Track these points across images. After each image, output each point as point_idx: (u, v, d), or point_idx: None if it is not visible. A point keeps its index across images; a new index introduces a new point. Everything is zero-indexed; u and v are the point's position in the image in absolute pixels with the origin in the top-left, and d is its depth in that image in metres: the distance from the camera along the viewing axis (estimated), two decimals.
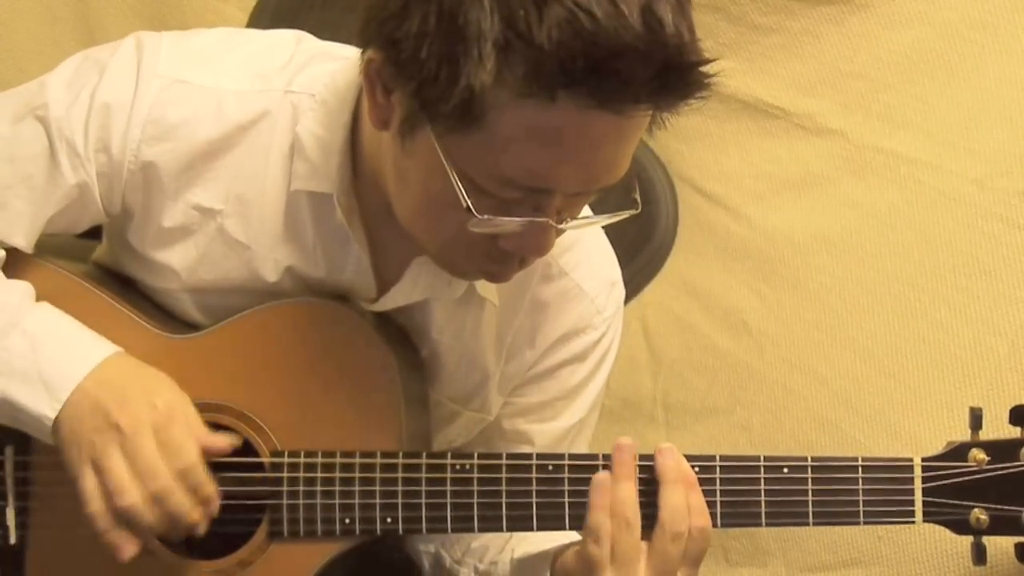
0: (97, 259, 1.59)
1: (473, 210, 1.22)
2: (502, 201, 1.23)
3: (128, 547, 1.34)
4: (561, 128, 1.17)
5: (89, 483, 1.33)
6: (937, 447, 1.38)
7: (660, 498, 1.34)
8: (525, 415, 1.59)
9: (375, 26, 1.22)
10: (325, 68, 1.43)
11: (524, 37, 1.11)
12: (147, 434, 1.33)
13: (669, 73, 1.14)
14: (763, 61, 2.02)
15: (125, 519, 1.33)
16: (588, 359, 1.57)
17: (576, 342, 1.55)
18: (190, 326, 1.50)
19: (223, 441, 1.39)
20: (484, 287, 1.48)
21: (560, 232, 1.29)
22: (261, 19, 2.13)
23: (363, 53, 1.26)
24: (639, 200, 1.33)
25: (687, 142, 2.07)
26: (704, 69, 1.17)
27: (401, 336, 1.50)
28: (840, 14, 1.97)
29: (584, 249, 1.53)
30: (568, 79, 1.12)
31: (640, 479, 1.36)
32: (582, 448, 1.64)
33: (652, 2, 1.13)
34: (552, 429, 1.59)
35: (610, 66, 1.12)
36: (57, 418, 1.35)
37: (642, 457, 1.37)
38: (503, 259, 1.32)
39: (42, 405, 1.35)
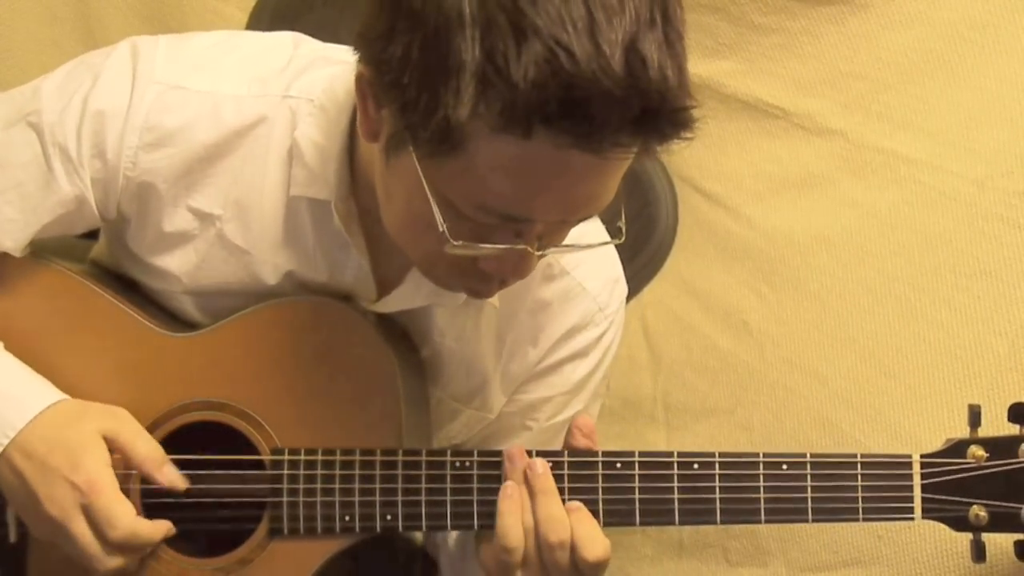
0: (95, 258, 1.59)
1: (448, 235, 1.21)
2: (481, 226, 1.22)
3: None
4: (538, 163, 1.15)
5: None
6: (937, 447, 1.38)
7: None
8: (532, 410, 1.59)
9: (365, 44, 1.21)
10: (323, 73, 1.42)
11: (501, 73, 1.10)
12: (74, 518, 1.37)
13: (648, 118, 1.12)
14: (763, 61, 2.01)
15: None
16: (591, 355, 1.57)
17: (579, 339, 1.55)
18: (190, 325, 1.50)
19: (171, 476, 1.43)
20: None
21: (541, 256, 1.28)
22: (261, 19, 2.12)
23: (356, 66, 1.25)
24: (624, 230, 1.32)
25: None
26: (689, 112, 1.14)
27: (402, 335, 1.50)
28: (840, 14, 1.96)
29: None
30: (544, 117, 1.11)
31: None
32: None
33: (637, 40, 1.10)
34: (550, 424, 1.60)
35: (586, 109, 1.10)
36: None
37: (644, 454, 1.37)
38: (484, 279, 1.32)
39: None
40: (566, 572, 1.35)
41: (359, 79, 1.25)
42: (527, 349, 1.55)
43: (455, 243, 1.22)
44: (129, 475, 1.42)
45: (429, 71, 1.13)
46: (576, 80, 1.08)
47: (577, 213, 1.24)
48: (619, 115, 1.11)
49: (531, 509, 1.35)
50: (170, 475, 1.42)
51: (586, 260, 1.53)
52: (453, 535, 1.64)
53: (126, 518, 1.37)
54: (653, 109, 1.12)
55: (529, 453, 1.39)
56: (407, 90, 1.15)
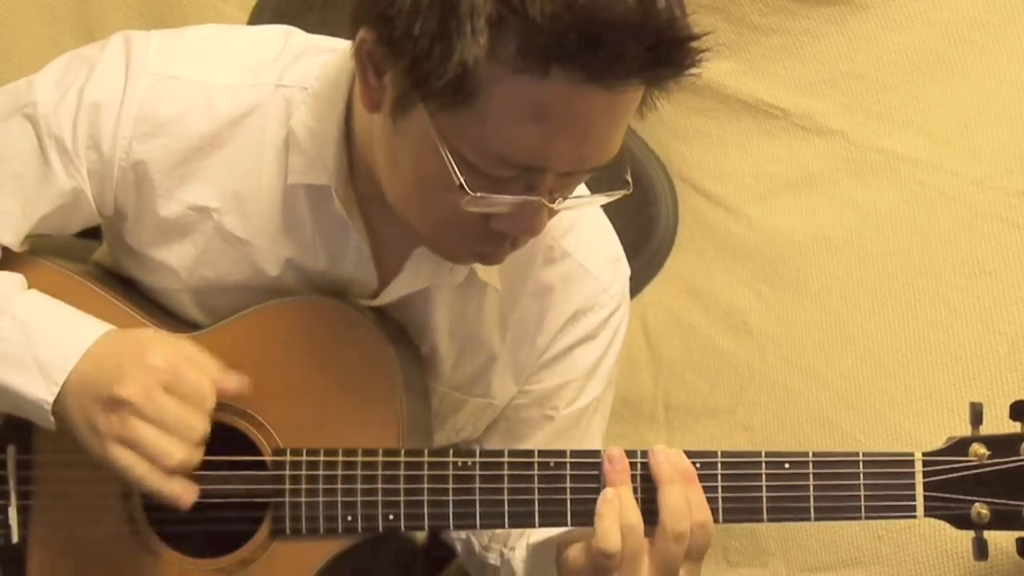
0: (97, 260, 1.60)
1: (466, 187, 1.22)
2: (494, 180, 1.23)
3: (188, 495, 1.34)
4: (554, 103, 1.17)
5: (126, 458, 1.33)
6: (938, 447, 1.38)
7: (660, 499, 1.34)
8: (548, 399, 1.59)
9: (367, 5, 1.22)
10: (315, 60, 1.43)
11: (517, 11, 1.12)
12: (160, 395, 1.32)
13: (661, 47, 1.15)
14: (763, 61, 2.02)
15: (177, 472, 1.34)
16: (599, 337, 1.57)
17: (585, 322, 1.55)
18: (191, 325, 1.50)
19: (235, 381, 1.39)
20: (485, 272, 1.48)
21: (552, 213, 1.29)
22: (261, 19, 2.13)
23: (355, 34, 1.26)
24: (630, 181, 1.32)
25: (687, 142, 2.07)
26: (695, 45, 1.17)
27: (400, 332, 1.50)
28: (840, 14, 1.97)
29: (585, 229, 1.53)
30: (561, 53, 1.13)
31: (640, 475, 1.37)
32: (600, 427, 1.64)
33: None
34: (571, 412, 1.59)
35: (603, 40, 1.12)
36: (58, 401, 1.35)
37: (642, 454, 1.38)
38: (495, 241, 1.32)
39: (39, 390, 1.35)
40: (677, 562, 1.34)
41: (360, 47, 1.25)
42: (533, 335, 1.55)
43: (473, 194, 1.22)
44: None
45: (441, 18, 1.14)
46: (592, 12, 1.11)
47: (588, 161, 1.25)
48: (634, 44, 1.13)
49: (633, 512, 1.34)
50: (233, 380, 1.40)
51: (586, 241, 1.53)
52: (520, 552, 1.61)
53: (214, 392, 1.35)
54: (666, 38, 1.15)
55: (531, 453, 1.39)
56: (419, 41, 1.16)
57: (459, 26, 1.14)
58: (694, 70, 1.19)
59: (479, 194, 1.22)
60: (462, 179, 1.22)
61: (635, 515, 1.33)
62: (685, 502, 1.34)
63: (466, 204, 1.23)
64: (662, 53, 1.15)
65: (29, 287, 1.45)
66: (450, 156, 1.22)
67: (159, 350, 1.35)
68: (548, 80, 1.15)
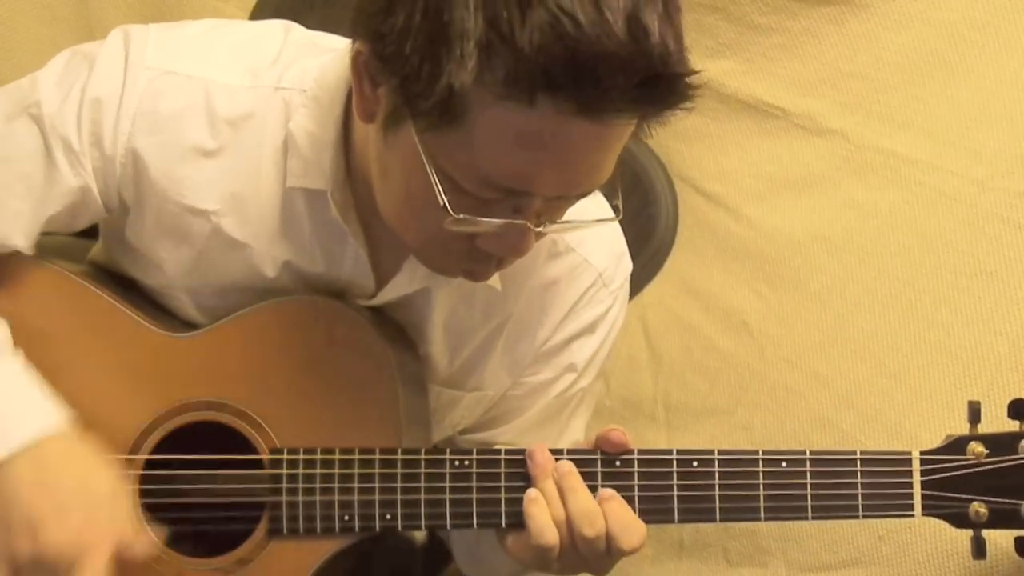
0: (93, 258, 1.59)
1: (449, 208, 1.21)
2: (481, 201, 1.23)
3: None
4: (540, 132, 1.16)
5: None
6: (936, 446, 1.38)
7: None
8: (539, 393, 1.59)
9: (363, 19, 1.22)
10: (314, 62, 1.43)
11: (506, 39, 1.11)
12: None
13: (651, 83, 1.13)
14: (763, 61, 2.02)
15: None
16: (598, 331, 1.56)
17: (584, 315, 1.55)
18: (189, 325, 1.50)
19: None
20: None
21: (540, 236, 1.29)
22: (261, 19, 2.12)
23: (352, 45, 1.26)
24: (621, 207, 1.33)
25: (687, 142, 2.07)
26: (688, 80, 1.16)
27: (399, 332, 1.50)
28: (840, 14, 1.97)
29: None
30: (548, 83, 1.12)
31: (638, 473, 1.38)
32: (584, 417, 1.65)
33: (638, 10, 1.12)
34: (558, 400, 1.60)
35: (591, 73, 1.11)
36: None
37: (643, 452, 1.39)
38: (481, 259, 1.32)
39: None
40: (602, 555, 1.36)
41: (356, 58, 1.25)
42: (534, 329, 1.54)
43: (455, 216, 1.22)
44: (127, 475, 1.42)
45: (431, 40, 1.14)
46: (581, 44, 1.10)
47: (576, 188, 1.24)
48: (623, 79, 1.12)
49: (561, 506, 1.35)
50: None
51: (591, 236, 1.53)
52: None
53: None
54: (655, 74, 1.13)
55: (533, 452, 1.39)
56: (409, 60, 1.16)
57: (448, 49, 1.13)
58: (688, 104, 1.17)
59: (462, 215, 1.22)
60: (446, 199, 1.21)
61: (561, 508, 1.35)
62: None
63: (449, 224, 1.23)
64: (653, 89, 1.14)
65: (30, 291, 1.46)
66: (436, 175, 1.21)
67: (98, 521, 1.32)
68: (534, 109, 1.14)
